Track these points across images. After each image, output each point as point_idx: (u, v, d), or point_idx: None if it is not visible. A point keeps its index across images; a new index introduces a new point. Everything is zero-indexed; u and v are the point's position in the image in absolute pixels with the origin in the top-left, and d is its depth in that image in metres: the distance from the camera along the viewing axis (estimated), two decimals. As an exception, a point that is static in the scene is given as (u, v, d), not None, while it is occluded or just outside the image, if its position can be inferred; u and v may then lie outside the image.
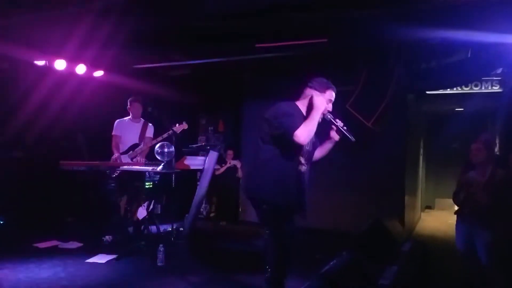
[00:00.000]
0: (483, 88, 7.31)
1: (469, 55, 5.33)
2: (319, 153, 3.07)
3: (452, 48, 5.29)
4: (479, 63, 5.40)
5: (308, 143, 2.86)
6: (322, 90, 2.90)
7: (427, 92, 7.34)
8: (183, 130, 5.23)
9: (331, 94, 2.93)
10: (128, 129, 5.32)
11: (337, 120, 2.94)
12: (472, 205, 3.33)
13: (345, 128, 2.92)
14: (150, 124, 5.41)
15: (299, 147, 2.79)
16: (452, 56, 5.49)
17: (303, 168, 2.88)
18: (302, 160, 2.87)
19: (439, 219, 8.42)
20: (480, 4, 3.84)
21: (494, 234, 3.22)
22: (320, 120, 2.86)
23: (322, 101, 2.85)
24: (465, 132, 6.46)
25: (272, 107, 2.86)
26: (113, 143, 5.26)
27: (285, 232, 2.84)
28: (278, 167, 2.79)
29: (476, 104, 7.60)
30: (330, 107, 2.93)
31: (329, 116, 2.92)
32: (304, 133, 2.68)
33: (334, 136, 2.99)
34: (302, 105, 2.93)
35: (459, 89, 7.37)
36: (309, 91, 2.92)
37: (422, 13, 4.07)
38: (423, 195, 9.65)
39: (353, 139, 2.89)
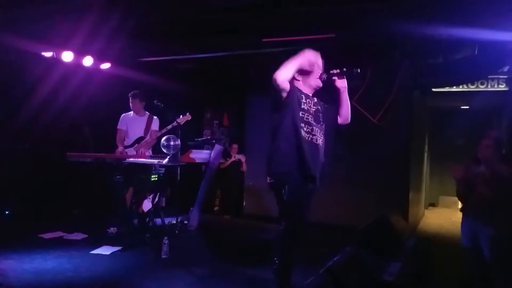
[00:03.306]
0: (489, 86, 7.26)
1: (476, 52, 5.30)
2: (343, 110, 2.97)
3: (459, 44, 5.25)
4: (486, 61, 5.35)
5: (309, 109, 2.84)
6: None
7: (433, 90, 7.31)
8: (187, 121, 5.23)
9: (310, 53, 2.89)
10: (133, 123, 5.34)
11: (333, 71, 2.89)
12: (475, 199, 3.35)
13: (344, 69, 2.85)
14: (155, 117, 5.42)
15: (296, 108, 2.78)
16: (459, 52, 5.44)
17: (307, 135, 2.81)
18: (306, 126, 2.81)
19: (443, 217, 8.40)
20: (488, 1, 3.81)
21: (497, 230, 3.23)
22: (320, 84, 2.88)
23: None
24: (470, 130, 6.42)
25: None
26: (118, 137, 5.31)
27: (300, 228, 2.82)
28: (282, 136, 2.78)
29: (482, 102, 7.56)
30: (319, 62, 2.90)
31: (324, 76, 2.88)
32: (280, 71, 2.70)
33: (341, 84, 2.91)
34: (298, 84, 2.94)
35: (465, 87, 7.33)
36: None
37: (429, 8, 4.04)
38: (427, 192, 9.62)
39: (357, 70, 2.83)
